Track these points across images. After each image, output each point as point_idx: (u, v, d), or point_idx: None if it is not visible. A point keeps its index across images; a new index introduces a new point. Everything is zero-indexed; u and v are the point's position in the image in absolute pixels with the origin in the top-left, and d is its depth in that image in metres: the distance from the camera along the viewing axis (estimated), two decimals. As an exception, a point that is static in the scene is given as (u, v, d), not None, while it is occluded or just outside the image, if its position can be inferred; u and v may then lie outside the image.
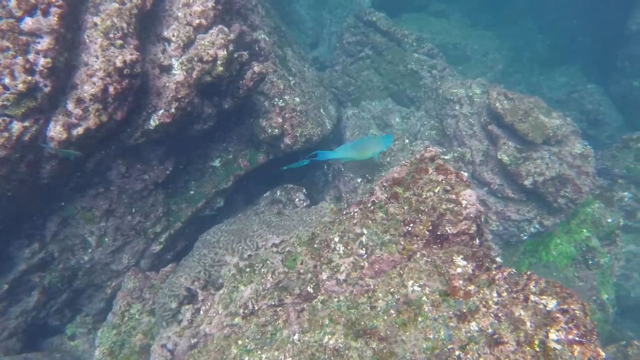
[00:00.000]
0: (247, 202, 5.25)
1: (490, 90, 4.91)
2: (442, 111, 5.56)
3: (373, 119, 6.41)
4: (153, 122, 3.53)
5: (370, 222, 2.88)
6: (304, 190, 4.69)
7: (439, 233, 2.70)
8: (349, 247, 2.88)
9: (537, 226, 4.69)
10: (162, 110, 3.54)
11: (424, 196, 2.81)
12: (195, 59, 3.55)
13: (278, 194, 4.71)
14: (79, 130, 3.08)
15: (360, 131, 6.06)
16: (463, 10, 9.37)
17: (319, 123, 5.01)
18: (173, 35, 3.64)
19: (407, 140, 5.22)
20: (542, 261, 4.64)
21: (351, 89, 6.64)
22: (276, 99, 4.61)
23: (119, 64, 3.09)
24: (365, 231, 2.87)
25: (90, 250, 4.18)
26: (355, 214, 2.98)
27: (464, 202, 2.72)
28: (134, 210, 4.26)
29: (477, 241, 2.83)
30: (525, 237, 4.80)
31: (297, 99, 4.83)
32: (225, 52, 3.55)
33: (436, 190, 2.81)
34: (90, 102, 3.06)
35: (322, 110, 5.46)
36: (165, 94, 3.57)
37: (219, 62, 3.55)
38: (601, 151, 5.96)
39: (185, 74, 3.65)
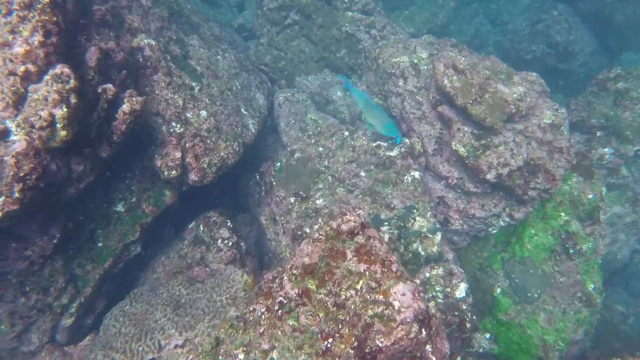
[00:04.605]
0: (176, 232, 4.50)
1: (436, 62, 4.00)
2: (385, 87, 4.66)
3: (311, 97, 5.49)
4: (-6, 215, 2.68)
5: (279, 332, 2.18)
6: (229, 224, 3.93)
7: (367, 350, 2.01)
8: (258, 367, 2.20)
9: (506, 219, 4.02)
10: (3, 197, 2.67)
11: (343, 297, 2.08)
12: (29, 123, 2.62)
13: (201, 229, 3.96)
14: None
15: (296, 118, 5.17)
16: None
17: (237, 134, 4.12)
18: (-5, 91, 2.68)
19: (346, 133, 4.38)
20: (517, 257, 4.02)
21: (282, 63, 5.63)
22: (173, 123, 3.69)
23: None
24: (275, 344, 2.17)
25: (-14, 343, 3.57)
26: (262, 317, 2.27)
27: (396, 304, 2.01)
28: (27, 289, 3.61)
29: (423, 334, 2.16)
30: (494, 231, 4.15)
31: (204, 113, 3.90)
32: (65, 110, 2.62)
33: (358, 287, 2.08)
34: None
35: (243, 109, 4.54)
36: (5, 173, 2.69)
37: (59, 126, 2.62)
38: (575, 99, 5.15)
39: (28, 138, 2.74)
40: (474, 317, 3.41)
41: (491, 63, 4.18)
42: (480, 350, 3.86)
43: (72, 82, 2.67)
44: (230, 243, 3.76)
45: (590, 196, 4.07)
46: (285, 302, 2.21)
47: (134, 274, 4.29)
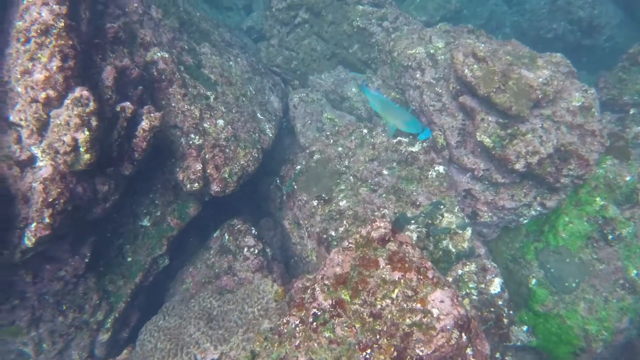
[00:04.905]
0: (200, 240, 4.51)
1: (455, 51, 3.88)
2: (402, 80, 4.55)
3: (326, 95, 5.42)
4: (28, 241, 2.72)
5: (315, 345, 2.13)
6: (254, 231, 3.91)
7: (407, 360, 1.95)
8: (296, 381, 2.16)
9: (538, 208, 3.89)
10: (35, 224, 2.70)
11: (379, 306, 2.03)
12: (53, 149, 2.64)
13: (226, 238, 3.95)
14: None
15: (312, 118, 5.11)
16: None
17: (255, 140, 4.08)
18: (21, 119, 2.71)
19: (365, 130, 4.31)
20: (551, 246, 3.89)
21: (294, 64, 5.57)
22: (192, 135, 3.68)
23: None
24: (312, 357, 2.13)
25: (31, 360, 3.67)
26: (297, 330, 2.23)
27: (435, 312, 1.95)
28: (64, 308, 3.68)
29: (464, 339, 2.09)
30: (525, 221, 4.03)
31: (221, 122, 3.88)
32: (87, 134, 2.62)
33: (394, 296, 2.02)
34: None
35: (259, 114, 4.50)
36: (34, 199, 2.72)
37: (82, 149, 2.63)
38: (604, 76, 4.94)
39: (53, 163, 2.76)
40: (511, 312, 3.31)
41: (512, 47, 4.04)
42: (519, 343, 3.76)
43: (92, 105, 2.67)
44: (257, 251, 3.74)
45: (627, 178, 3.91)
46: (319, 313, 2.17)
47: (162, 284, 4.32)
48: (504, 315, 3.26)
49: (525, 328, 3.82)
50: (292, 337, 2.24)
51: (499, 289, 3.28)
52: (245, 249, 3.71)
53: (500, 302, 3.27)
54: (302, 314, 2.27)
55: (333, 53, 5.39)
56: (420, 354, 1.94)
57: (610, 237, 3.78)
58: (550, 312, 3.77)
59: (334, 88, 5.37)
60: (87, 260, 3.54)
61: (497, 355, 3.42)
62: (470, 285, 3.26)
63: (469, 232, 3.41)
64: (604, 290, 3.68)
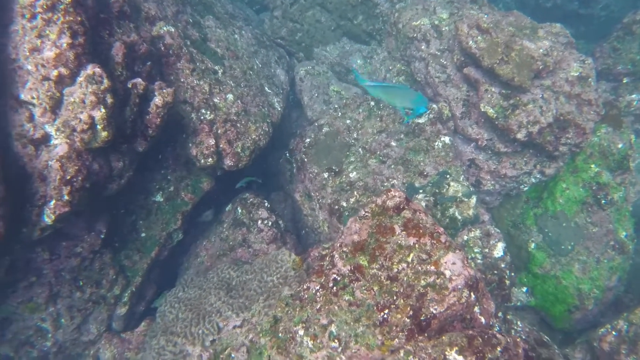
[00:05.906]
0: (215, 213, 4.63)
1: (459, 23, 3.94)
2: (407, 52, 4.61)
3: (332, 68, 5.47)
4: (48, 219, 2.81)
5: (336, 307, 2.30)
6: (267, 204, 4.03)
7: (422, 318, 2.12)
8: (318, 341, 2.33)
9: (537, 176, 4.04)
10: (54, 201, 2.79)
11: (395, 270, 2.18)
12: (69, 127, 2.71)
13: (239, 212, 4.07)
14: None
15: (318, 91, 5.18)
16: None
17: (265, 114, 4.16)
18: (33, 97, 2.75)
19: (372, 103, 4.39)
20: (549, 212, 4.06)
21: (299, 36, 5.58)
22: (202, 110, 3.75)
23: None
24: (333, 319, 2.30)
25: (50, 335, 3.80)
26: (317, 294, 2.39)
27: (447, 273, 2.10)
28: (81, 284, 3.76)
29: (473, 298, 2.26)
30: (525, 188, 4.19)
31: (230, 96, 3.95)
32: (103, 111, 2.68)
33: (409, 260, 2.17)
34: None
35: (267, 88, 4.56)
36: (51, 177, 2.79)
37: (99, 127, 2.70)
38: (600, 46, 5.03)
39: (68, 141, 2.83)
40: (512, 274, 3.50)
41: (515, 18, 4.10)
42: (519, 303, 3.98)
43: (106, 82, 2.72)
44: (270, 223, 3.87)
45: (619, 145, 4.06)
46: (339, 278, 2.32)
47: (175, 258, 4.44)
48: (506, 277, 3.45)
49: (524, 289, 4.03)
50: (313, 302, 2.40)
51: (501, 253, 3.46)
52: (260, 222, 3.84)
53: (502, 265, 3.45)
54: (322, 280, 2.42)
55: (338, 24, 5.40)
56: (434, 312, 2.11)
57: (603, 201, 3.95)
58: (548, 274, 3.96)
59: (339, 60, 5.41)
60: (102, 236, 3.60)
61: (500, 314, 3.64)
62: (476, 250, 3.44)
63: (474, 199, 3.57)
64: (596, 252, 3.88)
